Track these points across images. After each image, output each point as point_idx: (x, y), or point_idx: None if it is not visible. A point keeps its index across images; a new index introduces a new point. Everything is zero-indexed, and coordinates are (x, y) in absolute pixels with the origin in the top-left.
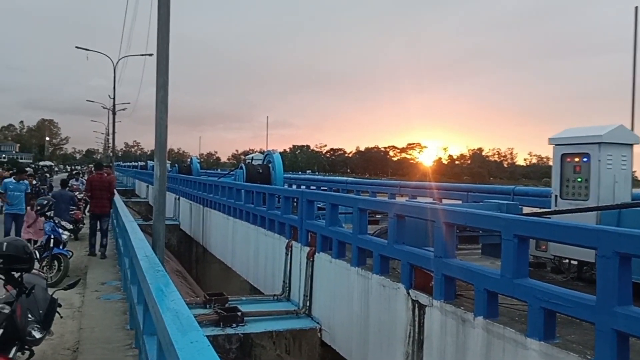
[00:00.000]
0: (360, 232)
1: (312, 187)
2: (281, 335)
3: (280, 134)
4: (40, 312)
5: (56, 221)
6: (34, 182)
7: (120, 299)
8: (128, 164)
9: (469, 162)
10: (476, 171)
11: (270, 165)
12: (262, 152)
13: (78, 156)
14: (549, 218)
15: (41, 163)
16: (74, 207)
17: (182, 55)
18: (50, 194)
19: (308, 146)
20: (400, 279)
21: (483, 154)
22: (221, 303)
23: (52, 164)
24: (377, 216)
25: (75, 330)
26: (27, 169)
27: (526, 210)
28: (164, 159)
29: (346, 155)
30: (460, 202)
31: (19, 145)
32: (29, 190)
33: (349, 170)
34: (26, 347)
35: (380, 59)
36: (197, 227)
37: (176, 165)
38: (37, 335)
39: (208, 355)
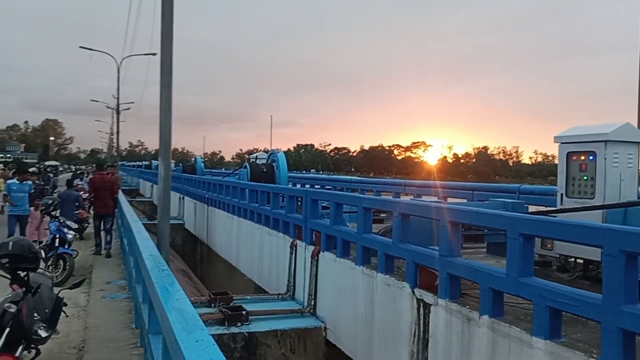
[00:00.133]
0: (364, 231)
1: (316, 186)
2: (286, 334)
3: (284, 133)
4: (46, 311)
5: (61, 221)
6: (37, 181)
7: (126, 298)
8: (132, 163)
9: (474, 160)
10: (481, 170)
11: (274, 164)
12: (266, 151)
13: (82, 156)
14: (555, 217)
15: (47, 163)
16: (79, 207)
17: (186, 56)
18: (54, 193)
19: (312, 145)
20: (405, 278)
21: (488, 152)
22: (226, 302)
23: (58, 163)
24: (381, 215)
25: (81, 329)
26: (33, 168)
27: (532, 208)
28: (168, 158)
29: (350, 154)
30: (465, 200)
31: (24, 145)
32: (33, 191)
33: (353, 169)
34: (32, 345)
35: (385, 58)
36: (201, 226)
37: (180, 164)
38: (43, 334)
39: (213, 354)
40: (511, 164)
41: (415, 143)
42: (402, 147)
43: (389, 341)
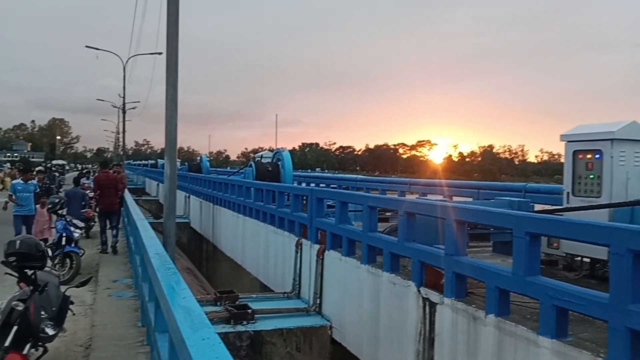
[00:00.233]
0: (370, 230)
1: (321, 185)
2: (292, 333)
3: (289, 132)
4: (53, 309)
5: (68, 219)
6: (44, 179)
7: (132, 297)
8: (138, 162)
9: (479, 159)
10: (487, 168)
11: (279, 163)
12: (271, 150)
13: (89, 155)
14: (561, 215)
15: (54, 162)
16: (85, 205)
17: (191, 55)
18: (60, 192)
19: (317, 144)
20: (410, 277)
21: (494, 151)
22: (232, 300)
23: (65, 162)
24: (386, 214)
25: (88, 327)
26: (39, 167)
27: (538, 207)
28: (174, 157)
29: (355, 153)
30: (471, 199)
31: (30, 144)
32: (38, 190)
33: (358, 168)
34: (40, 343)
35: (390, 57)
36: (207, 225)
37: (186, 163)
38: (50, 332)
39: (220, 352)
40: (517, 163)
41: (420, 142)
42: (408, 146)
43: (394, 340)
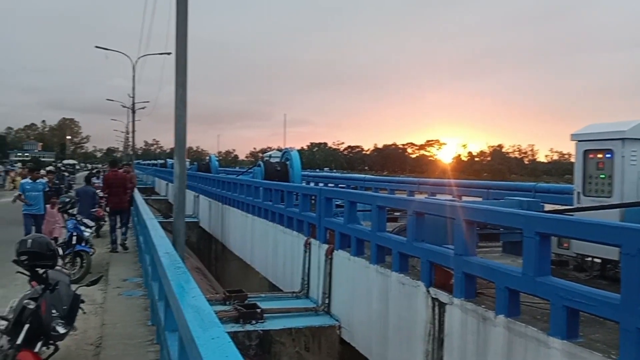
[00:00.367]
0: (379, 230)
1: (329, 185)
2: (300, 333)
3: (298, 131)
4: (64, 307)
5: (78, 219)
6: (54, 180)
7: (142, 296)
8: (148, 162)
9: (488, 159)
10: (496, 168)
11: (288, 162)
12: (280, 150)
13: (98, 154)
14: (572, 215)
15: (65, 161)
16: (95, 204)
17: (200, 55)
18: (70, 192)
19: (325, 144)
20: (419, 277)
21: (503, 150)
22: (241, 300)
23: (75, 162)
24: (395, 214)
25: (98, 326)
26: (49, 167)
27: (548, 207)
28: (183, 157)
29: (364, 152)
30: (480, 199)
31: (41, 144)
32: (48, 189)
33: (366, 168)
34: (51, 342)
35: (399, 56)
36: (216, 224)
37: (195, 163)
38: (61, 330)
39: (229, 351)
40: (526, 162)
41: (429, 141)
42: (416, 146)
43: (403, 340)
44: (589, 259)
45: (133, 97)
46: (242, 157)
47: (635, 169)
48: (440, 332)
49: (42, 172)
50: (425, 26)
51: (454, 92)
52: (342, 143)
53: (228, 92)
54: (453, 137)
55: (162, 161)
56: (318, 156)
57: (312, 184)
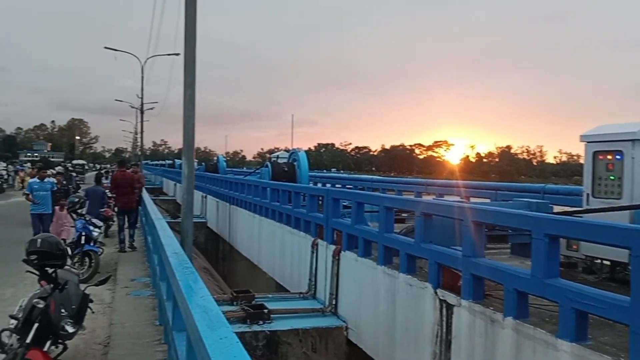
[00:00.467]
0: (386, 231)
1: (337, 186)
2: (307, 333)
3: (305, 132)
4: (73, 307)
5: (87, 218)
6: (63, 181)
7: (150, 295)
8: (156, 162)
9: (497, 160)
10: (504, 169)
11: (295, 163)
12: (287, 151)
13: (107, 155)
14: (581, 217)
15: (74, 161)
16: (104, 204)
17: (208, 56)
18: (78, 192)
19: (333, 144)
20: (427, 278)
21: (511, 151)
22: (248, 300)
23: (85, 162)
24: (402, 215)
25: (106, 325)
26: (58, 167)
27: (557, 209)
28: (191, 157)
29: (371, 153)
30: (488, 200)
31: (50, 144)
32: (56, 189)
33: (374, 169)
34: (60, 341)
35: (407, 56)
36: (223, 224)
37: (203, 163)
38: (70, 329)
39: (237, 351)
40: (535, 164)
41: (437, 142)
42: (424, 146)
43: (411, 342)
44: (598, 261)
45: (142, 98)
46: (249, 157)
47: None
48: (447, 333)
49: (50, 172)
50: (433, 26)
51: (462, 92)
52: (350, 144)
53: (236, 93)
54: (461, 138)
55: (170, 161)
56: (325, 157)
57: (319, 185)
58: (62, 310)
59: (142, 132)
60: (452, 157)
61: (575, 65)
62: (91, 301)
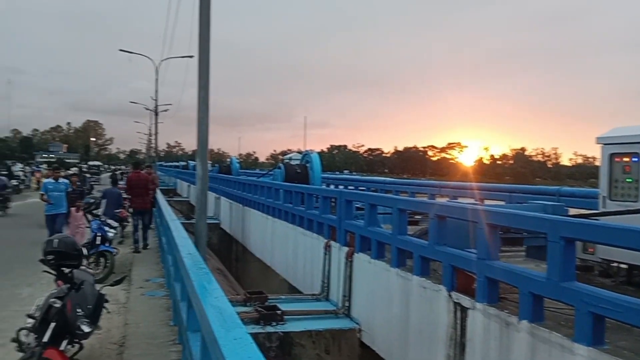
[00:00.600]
0: (400, 233)
1: (350, 187)
2: (320, 335)
3: (318, 133)
4: (89, 307)
5: (102, 219)
6: (78, 182)
7: (164, 296)
8: (170, 164)
9: (511, 162)
10: (519, 171)
11: (308, 165)
12: (300, 152)
13: (122, 156)
14: (597, 220)
15: (90, 163)
16: (120, 205)
17: (222, 58)
18: (94, 192)
19: (345, 146)
20: (441, 281)
21: (526, 153)
22: (261, 301)
23: (100, 163)
24: (416, 217)
25: (121, 325)
26: (74, 168)
27: (572, 211)
28: (205, 158)
29: (384, 155)
30: (503, 203)
31: (66, 145)
32: (71, 189)
33: (386, 171)
34: (76, 340)
35: (420, 57)
36: (236, 226)
37: (216, 165)
38: (86, 329)
39: (251, 352)
40: (550, 166)
41: (450, 144)
42: (437, 148)
43: (424, 344)
44: (615, 264)
45: (156, 100)
46: (262, 159)
47: None
48: (462, 336)
49: (62, 172)
50: (447, 28)
51: (475, 94)
52: (362, 145)
53: (249, 94)
54: (475, 140)
55: (184, 163)
56: (338, 158)
57: (332, 187)
58: (78, 310)
59: (156, 133)
60: (466, 159)
61: (591, 67)
62: (107, 301)
